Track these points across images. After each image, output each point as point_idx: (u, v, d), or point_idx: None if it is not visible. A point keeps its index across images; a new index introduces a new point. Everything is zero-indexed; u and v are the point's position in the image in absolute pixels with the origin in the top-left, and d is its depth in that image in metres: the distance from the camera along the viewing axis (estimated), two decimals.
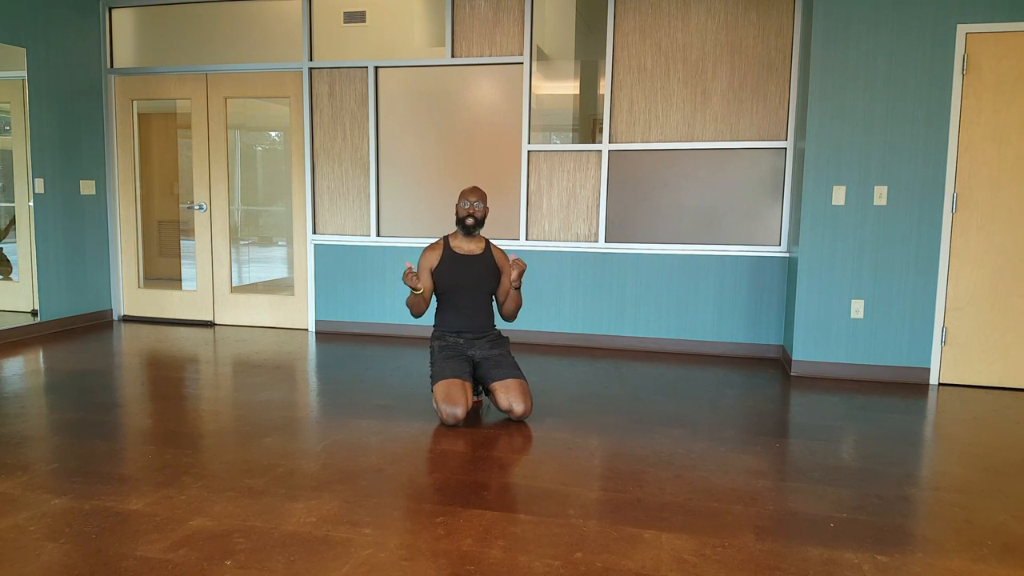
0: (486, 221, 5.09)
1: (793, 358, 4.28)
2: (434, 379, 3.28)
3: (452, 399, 3.16)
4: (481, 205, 3.41)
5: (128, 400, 3.57)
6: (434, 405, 3.29)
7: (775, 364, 4.56)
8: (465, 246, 3.45)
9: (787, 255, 4.63)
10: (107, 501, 2.40)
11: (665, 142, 4.74)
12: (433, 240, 3.57)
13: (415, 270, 3.33)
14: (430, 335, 3.56)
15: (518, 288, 3.35)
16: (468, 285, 3.41)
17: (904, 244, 4.07)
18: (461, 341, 3.41)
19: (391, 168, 5.23)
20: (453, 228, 5.08)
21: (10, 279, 5.06)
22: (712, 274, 4.74)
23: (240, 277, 5.68)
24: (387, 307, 5.30)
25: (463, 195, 3.40)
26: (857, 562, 2.07)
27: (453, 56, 5.01)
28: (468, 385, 3.25)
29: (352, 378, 4.05)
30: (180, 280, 5.78)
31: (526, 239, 5.02)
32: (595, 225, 4.91)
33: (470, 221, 3.38)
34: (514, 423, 3.28)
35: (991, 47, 3.88)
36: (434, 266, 3.41)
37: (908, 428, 3.32)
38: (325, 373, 4.16)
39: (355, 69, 5.19)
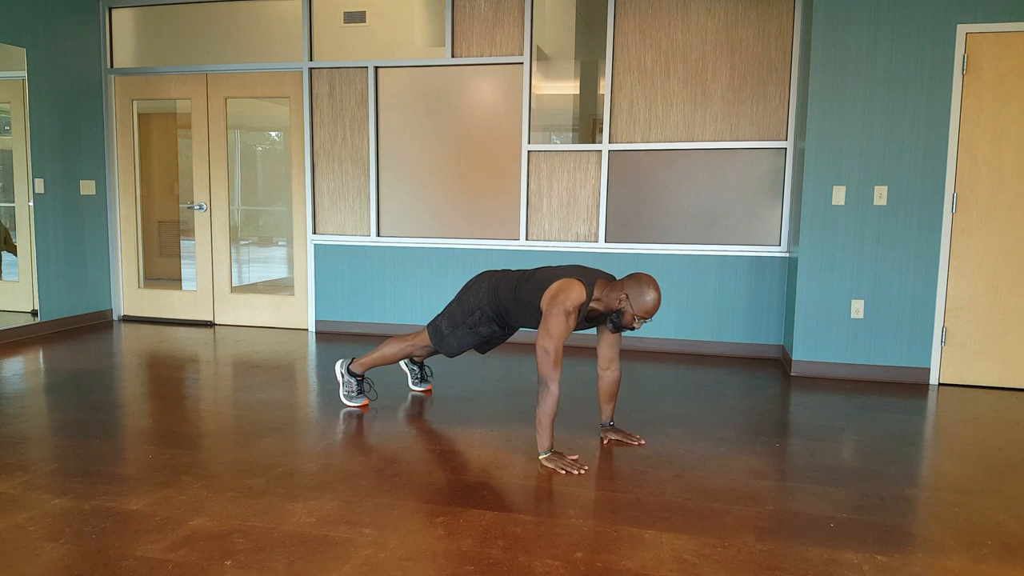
0: (490, 220, 5.09)
1: (793, 358, 4.28)
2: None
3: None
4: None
5: (128, 400, 3.57)
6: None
7: (775, 364, 4.56)
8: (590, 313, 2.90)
9: (787, 255, 4.63)
10: (107, 501, 2.40)
11: (665, 142, 4.74)
12: (558, 271, 2.91)
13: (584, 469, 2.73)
14: (478, 298, 3.12)
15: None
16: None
17: (904, 244, 4.07)
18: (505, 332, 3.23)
19: (391, 168, 5.23)
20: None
21: (5, 279, 5.06)
22: (712, 274, 4.74)
23: (240, 277, 5.68)
24: (387, 307, 5.30)
25: (648, 306, 2.68)
26: (857, 562, 2.07)
27: (453, 56, 5.01)
28: None
29: None
30: (180, 280, 5.78)
31: (526, 239, 5.02)
32: (595, 225, 4.91)
33: (625, 331, 2.83)
34: (514, 423, 3.28)
35: (991, 47, 3.88)
36: (572, 327, 2.80)
37: (908, 428, 3.32)
38: (325, 373, 4.16)
39: (355, 69, 5.19)
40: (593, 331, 4.98)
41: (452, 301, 3.24)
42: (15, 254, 5.05)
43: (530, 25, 4.85)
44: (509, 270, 3.15)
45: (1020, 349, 4.01)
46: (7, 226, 5.02)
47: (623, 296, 2.71)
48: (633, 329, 2.76)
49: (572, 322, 2.73)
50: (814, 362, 4.25)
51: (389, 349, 3.41)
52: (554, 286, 2.78)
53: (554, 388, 2.70)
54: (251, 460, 2.78)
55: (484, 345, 3.28)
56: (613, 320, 2.76)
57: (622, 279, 2.78)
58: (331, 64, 5.20)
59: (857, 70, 4.04)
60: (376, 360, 3.44)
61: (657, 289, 2.69)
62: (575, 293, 2.72)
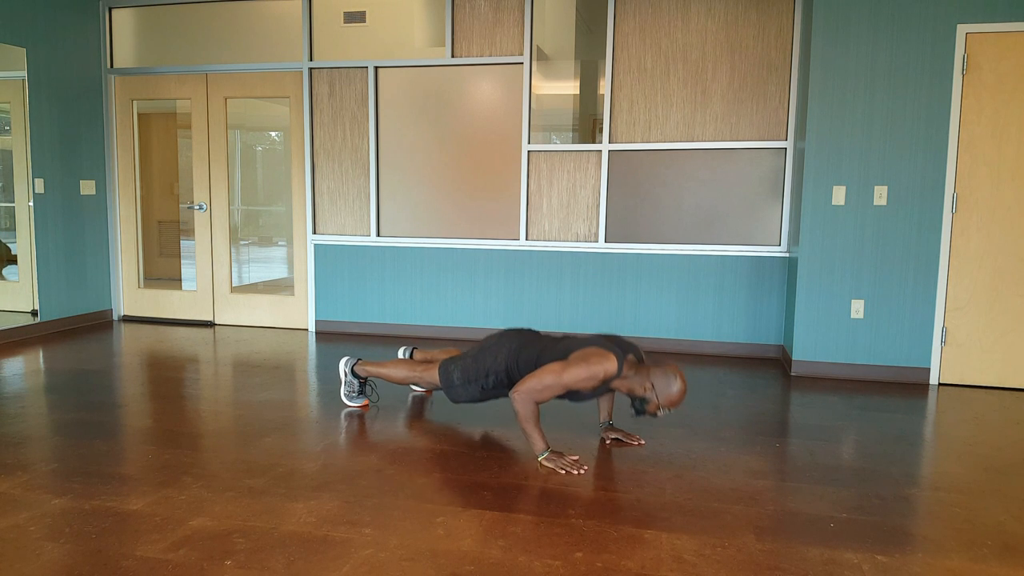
0: (490, 220, 5.09)
1: (793, 358, 4.28)
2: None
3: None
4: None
5: (128, 400, 3.57)
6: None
7: (775, 364, 4.56)
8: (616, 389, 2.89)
9: (787, 255, 4.63)
10: (107, 501, 2.40)
11: (665, 142, 4.74)
12: (586, 339, 2.85)
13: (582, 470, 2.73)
14: (477, 370, 3.09)
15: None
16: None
17: (904, 244, 4.07)
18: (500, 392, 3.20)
19: (391, 168, 5.23)
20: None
21: (6, 279, 5.06)
22: (712, 274, 4.74)
23: (240, 277, 5.68)
24: (387, 307, 5.30)
25: (673, 398, 2.67)
26: (857, 562, 2.07)
27: (453, 56, 5.01)
28: None
29: None
30: (180, 280, 5.78)
31: (526, 239, 5.02)
32: (595, 225, 4.91)
33: (645, 416, 2.81)
34: (514, 424, 3.28)
35: (991, 47, 3.88)
36: (582, 387, 2.75)
37: (908, 428, 3.32)
38: (325, 373, 4.16)
39: (355, 69, 5.19)
40: (595, 330, 4.97)
41: (470, 352, 3.16)
42: (16, 263, 5.05)
43: (530, 25, 4.85)
44: (535, 335, 3.07)
45: (1020, 349, 4.01)
46: (5, 225, 5.02)
47: (648, 385, 2.68)
48: (655, 417, 2.73)
49: (587, 386, 2.70)
50: (814, 362, 4.25)
51: (396, 372, 3.36)
52: (590, 350, 2.73)
53: (528, 401, 2.71)
54: (251, 460, 2.78)
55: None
56: (636, 407, 2.74)
57: (648, 365, 2.73)
58: (331, 64, 5.20)
59: (857, 70, 4.04)
60: (380, 375, 3.40)
61: (683, 380, 2.67)
62: (609, 365, 2.68)
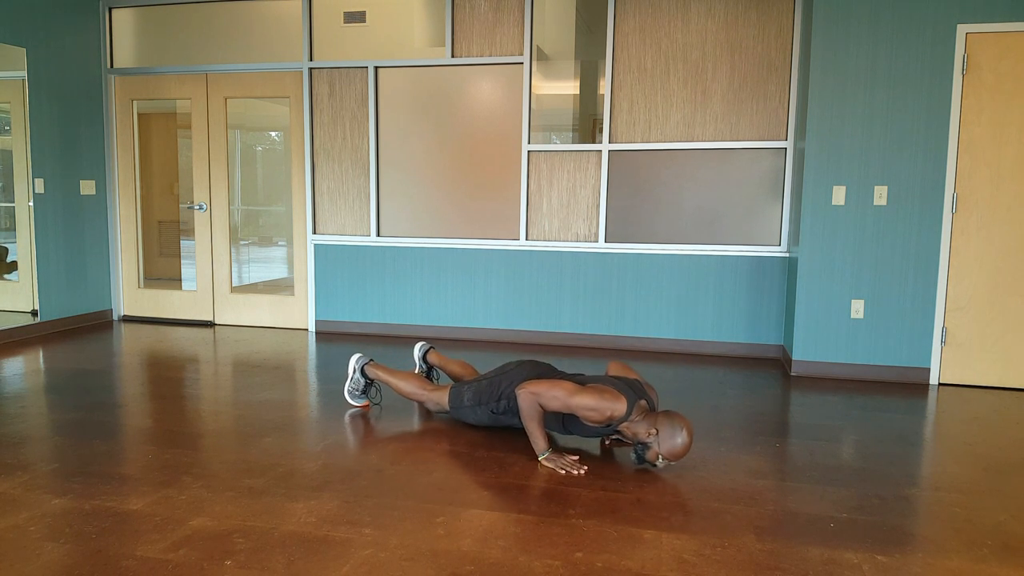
0: (490, 220, 5.09)
1: (793, 358, 4.28)
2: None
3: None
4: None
5: (128, 400, 3.57)
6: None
7: (775, 364, 4.56)
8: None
9: (787, 255, 4.63)
10: (107, 501, 2.40)
11: (665, 142, 4.74)
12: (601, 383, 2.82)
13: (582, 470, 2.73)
14: (482, 395, 3.10)
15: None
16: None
17: (904, 244, 4.07)
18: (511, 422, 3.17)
19: (391, 168, 5.23)
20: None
21: (6, 278, 5.06)
22: (712, 274, 4.74)
23: (240, 277, 5.68)
24: (387, 307, 5.30)
25: (676, 450, 2.62)
26: (857, 562, 2.07)
27: (453, 56, 5.01)
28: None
29: None
30: (180, 280, 5.78)
31: (526, 239, 5.02)
32: (595, 225, 4.91)
33: (646, 464, 2.76)
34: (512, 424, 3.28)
35: (991, 47, 3.88)
36: (586, 417, 2.75)
37: (908, 428, 3.32)
38: (325, 373, 4.16)
39: (355, 69, 5.19)
40: (595, 330, 4.97)
41: (486, 376, 3.14)
42: (15, 269, 5.04)
43: (530, 25, 4.85)
44: (552, 369, 3.07)
45: (1020, 349, 4.01)
46: (5, 226, 5.02)
47: (653, 431, 2.65)
48: (655, 466, 2.72)
49: (591, 418, 2.71)
50: (814, 362, 4.25)
51: (405, 385, 3.32)
52: (605, 387, 2.74)
53: (532, 401, 2.74)
54: (251, 460, 2.78)
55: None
56: (637, 452, 2.71)
57: (657, 413, 2.71)
58: (331, 64, 5.20)
59: (857, 70, 4.04)
60: (389, 382, 3.37)
61: (690, 434, 2.63)
62: (619, 406, 2.68)
